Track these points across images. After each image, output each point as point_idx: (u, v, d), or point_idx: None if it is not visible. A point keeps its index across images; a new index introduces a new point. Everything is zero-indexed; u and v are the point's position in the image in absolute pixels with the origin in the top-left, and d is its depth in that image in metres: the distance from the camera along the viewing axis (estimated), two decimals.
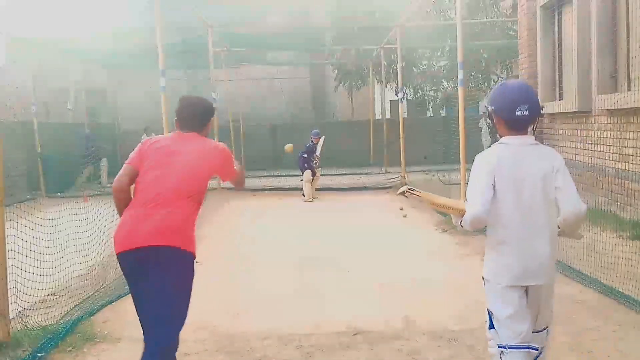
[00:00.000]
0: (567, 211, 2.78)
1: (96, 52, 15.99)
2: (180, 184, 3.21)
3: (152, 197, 3.16)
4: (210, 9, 14.22)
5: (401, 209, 10.60)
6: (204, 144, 3.42)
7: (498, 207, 2.76)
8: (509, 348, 2.79)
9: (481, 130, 19.83)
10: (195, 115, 3.47)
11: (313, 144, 13.06)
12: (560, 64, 11.06)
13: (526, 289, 2.83)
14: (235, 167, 3.55)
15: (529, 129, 2.88)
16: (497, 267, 2.85)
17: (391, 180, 14.63)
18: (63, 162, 14.96)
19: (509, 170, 2.76)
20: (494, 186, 2.75)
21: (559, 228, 2.86)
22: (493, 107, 2.88)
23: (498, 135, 2.92)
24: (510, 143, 2.83)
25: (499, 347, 2.84)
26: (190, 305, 3.16)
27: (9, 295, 4.33)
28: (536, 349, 2.85)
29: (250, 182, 15.55)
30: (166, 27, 9.82)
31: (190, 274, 3.19)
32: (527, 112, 2.77)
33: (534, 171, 2.77)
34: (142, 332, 3.15)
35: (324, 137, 13.37)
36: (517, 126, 2.83)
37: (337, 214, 10.73)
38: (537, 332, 2.92)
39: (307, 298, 5.52)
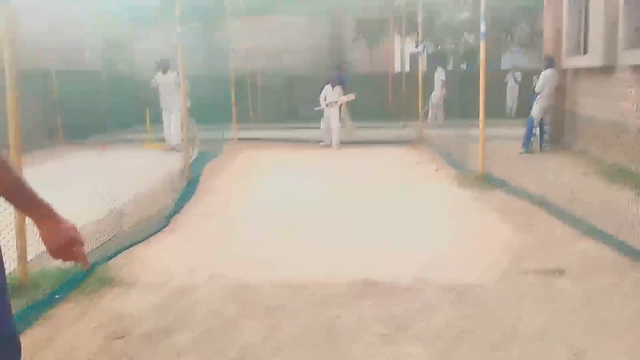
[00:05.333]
0: None
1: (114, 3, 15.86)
2: None
3: None
4: None
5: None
6: None
7: None
8: None
9: (506, 85, 19.59)
10: None
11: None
12: (586, 17, 10.74)
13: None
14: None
15: None
16: None
17: (410, 134, 14.48)
18: (81, 108, 14.97)
19: None
20: None
21: None
22: None
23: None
24: None
25: None
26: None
27: (27, 237, 4.39)
28: None
29: (266, 134, 15.53)
30: None
31: None
32: None
33: None
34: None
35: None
36: None
37: (354, 167, 10.68)
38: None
39: (321, 251, 5.53)
